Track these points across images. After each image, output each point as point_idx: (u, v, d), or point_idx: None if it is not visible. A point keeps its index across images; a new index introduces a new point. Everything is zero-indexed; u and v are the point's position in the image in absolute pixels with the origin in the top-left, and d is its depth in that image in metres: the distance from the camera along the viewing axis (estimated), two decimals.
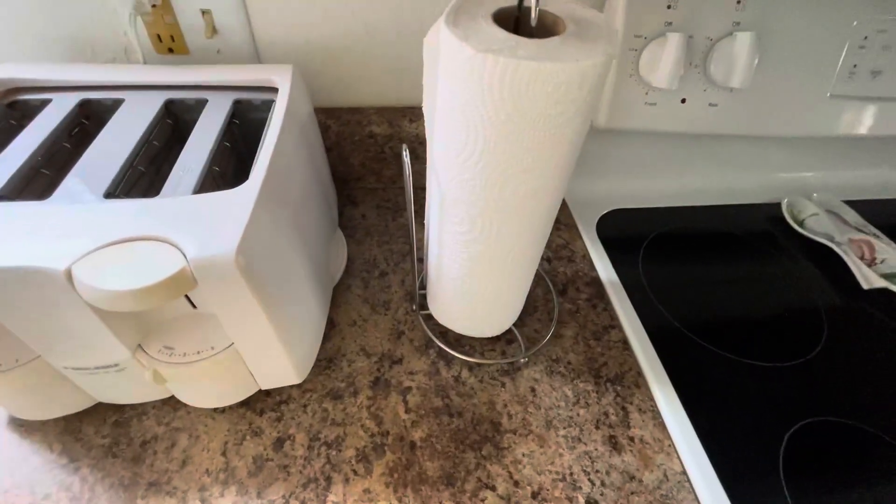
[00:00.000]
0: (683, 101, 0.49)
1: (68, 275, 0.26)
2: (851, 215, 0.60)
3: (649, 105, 0.48)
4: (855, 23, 0.46)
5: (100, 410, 0.38)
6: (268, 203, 0.31)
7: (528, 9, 0.25)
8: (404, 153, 0.31)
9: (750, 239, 0.57)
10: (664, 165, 0.60)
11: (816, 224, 0.59)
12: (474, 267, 0.35)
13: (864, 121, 0.52)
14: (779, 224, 0.59)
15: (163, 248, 0.27)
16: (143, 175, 0.36)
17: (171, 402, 0.38)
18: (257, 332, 0.31)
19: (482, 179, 0.27)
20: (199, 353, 0.32)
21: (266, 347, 0.33)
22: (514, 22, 0.26)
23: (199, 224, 0.28)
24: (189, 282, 0.27)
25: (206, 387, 0.35)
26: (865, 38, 0.46)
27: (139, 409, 0.38)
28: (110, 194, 0.31)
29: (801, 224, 0.59)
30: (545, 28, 0.26)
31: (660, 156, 0.59)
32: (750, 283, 0.52)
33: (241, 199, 0.30)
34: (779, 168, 0.63)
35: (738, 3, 0.44)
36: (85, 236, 0.27)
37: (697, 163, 0.61)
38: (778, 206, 0.61)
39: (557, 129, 0.25)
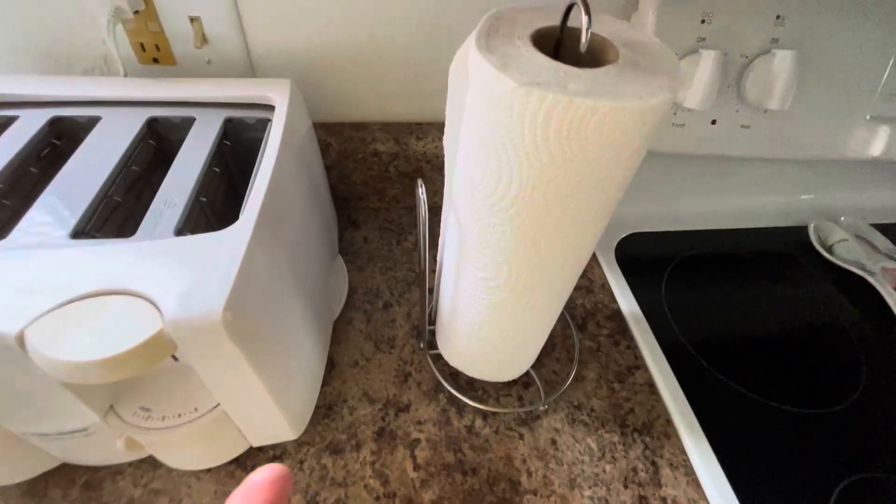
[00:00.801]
0: (714, 122, 0.45)
1: (21, 339, 0.21)
2: (881, 241, 0.57)
3: (677, 126, 0.45)
4: None
5: (67, 470, 0.33)
6: (262, 245, 0.27)
7: (574, 30, 0.21)
8: (419, 189, 0.27)
9: (778, 266, 0.54)
10: (687, 187, 0.56)
11: (846, 251, 0.55)
12: (495, 314, 0.31)
13: None
14: (807, 250, 0.56)
15: (136, 305, 0.23)
16: (120, 206, 0.31)
17: (150, 460, 0.34)
18: (247, 391, 0.27)
19: (514, 226, 0.23)
20: (180, 415, 0.28)
21: (257, 406, 0.29)
22: (555, 44, 0.22)
23: (180, 273, 0.24)
24: (167, 346, 0.22)
25: (189, 451, 0.30)
26: None
27: (113, 468, 0.34)
28: (79, 233, 0.27)
29: (829, 250, 0.56)
30: (592, 54, 0.22)
31: (683, 177, 0.55)
32: (781, 316, 0.49)
33: (231, 242, 0.26)
34: (803, 189, 0.60)
35: (778, 18, 0.40)
36: (44, 289, 0.23)
37: (722, 184, 0.57)
38: (804, 229, 0.58)
39: (608, 176, 0.21)
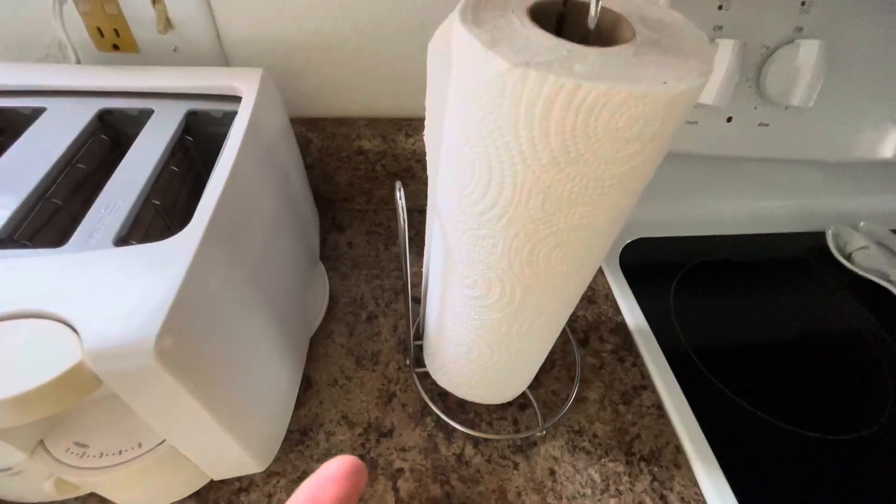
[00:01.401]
0: (729, 119, 0.41)
1: None
2: None
3: (690, 124, 0.41)
4: None
5: None
6: (215, 254, 0.23)
7: (580, 3, 0.17)
8: (398, 192, 0.23)
9: (795, 275, 0.50)
10: (698, 189, 0.53)
11: (866, 259, 0.52)
12: (486, 335, 0.27)
13: None
14: (824, 257, 0.52)
15: (54, 331, 0.19)
16: (60, 210, 0.28)
17: (96, 495, 0.30)
18: (195, 427, 0.24)
19: (506, 239, 0.20)
20: (121, 452, 0.24)
21: (211, 441, 0.25)
22: (558, 21, 0.19)
23: (111, 292, 0.20)
24: (88, 382, 0.19)
25: (137, 489, 0.27)
26: None
27: None
28: (2, 241, 0.23)
29: (848, 257, 0.52)
30: (603, 32, 0.18)
31: (694, 178, 0.51)
32: (798, 329, 0.45)
33: (175, 253, 0.22)
34: (821, 192, 0.56)
35: (803, 4, 0.36)
36: None
37: (734, 186, 0.53)
38: (821, 234, 0.54)
39: (620, 178, 0.17)
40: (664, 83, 0.14)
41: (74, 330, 0.19)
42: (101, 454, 0.24)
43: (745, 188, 0.54)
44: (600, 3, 0.16)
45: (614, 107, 0.14)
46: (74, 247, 0.23)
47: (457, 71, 0.17)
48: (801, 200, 0.56)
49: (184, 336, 0.20)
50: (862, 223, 0.55)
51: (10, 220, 0.24)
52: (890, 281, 0.49)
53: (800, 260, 0.52)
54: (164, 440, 0.25)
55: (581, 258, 0.21)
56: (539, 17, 0.18)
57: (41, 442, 0.24)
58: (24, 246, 0.24)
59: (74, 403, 0.19)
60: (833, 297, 0.48)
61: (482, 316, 0.25)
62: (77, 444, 0.24)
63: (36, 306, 0.19)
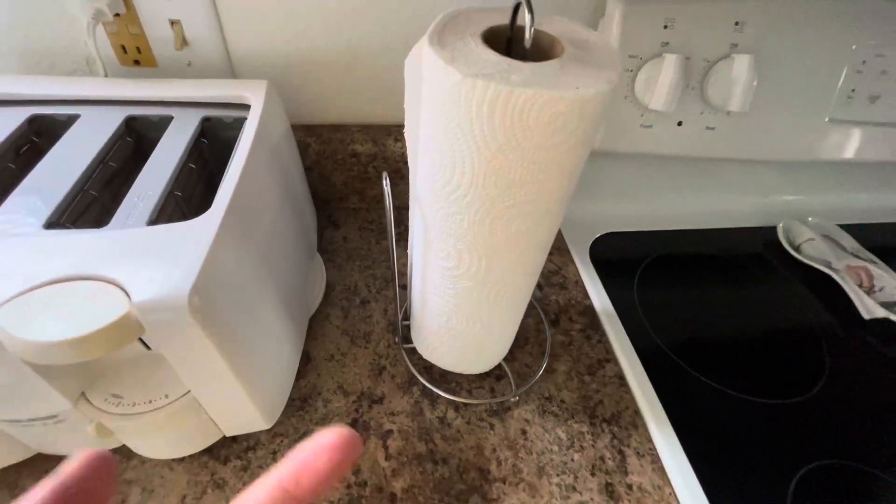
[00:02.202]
0: (680, 123, 0.47)
1: None
2: (847, 240, 0.59)
3: (645, 127, 0.46)
4: (854, 46, 0.45)
5: (39, 460, 0.34)
6: (232, 234, 0.28)
7: (522, 28, 0.22)
8: (385, 181, 0.28)
9: (748, 265, 0.55)
10: (659, 188, 0.58)
11: (813, 249, 0.57)
12: (461, 304, 0.32)
13: (862, 145, 0.51)
14: (775, 249, 0.58)
15: (104, 290, 0.23)
16: (96, 201, 0.32)
17: (123, 450, 0.34)
18: (217, 379, 0.28)
19: (470, 214, 0.25)
20: (150, 402, 0.29)
21: (228, 395, 0.30)
22: (507, 43, 0.24)
23: (149, 260, 0.25)
24: (134, 328, 0.23)
25: (161, 439, 0.31)
26: (864, 62, 0.45)
27: None
28: (53, 224, 0.28)
29: (797, 249, 0.58)
30: (541, 50, 0.23)
31: (655, 178, 0.57)
32: (749, 312, 0.50)
33: (200, 231, 0.26)
34: (774, 191, 0.62)
35: (737, 24, 0.42)
36: (15, 275, 0.24)
37: (693, 185, 0.59)
38: (774, 229, 0.60)
39: (554, 162, 0.22)
40: (577, 88, 0.19)
41: (122, 289, 0.23)
42: (134, 403, 0.28)
43: (704, 187, 0.59)
44: (533, 29, 0.21)
45: (540, 106, 0.19)
46: (115, 227, 0.27)
47: (426, 81, 0.22)
48: (756, 198, 0.62)
49: (209, 296, 0.25)
50: (810, 218, 0.61)
51: (58, 207, 0.29)
52: (832, 268, 0.54)
53: (753, 252, 0.57)
54: (187, 392, 0.29)
55: (532, 230, 0.26)
56: (492, 39, 0.23)
57: (83, 394, 0.28)
58: (68, 228, 0.29)
59: (122, 346, 0.23)
60: (781, 283, 0.54)
61: (456, 285, 0.30)
62: (113, 395, 0.29)
63: (91, 271, 0.24)
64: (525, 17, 0.21)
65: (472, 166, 0.22)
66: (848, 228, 0.59)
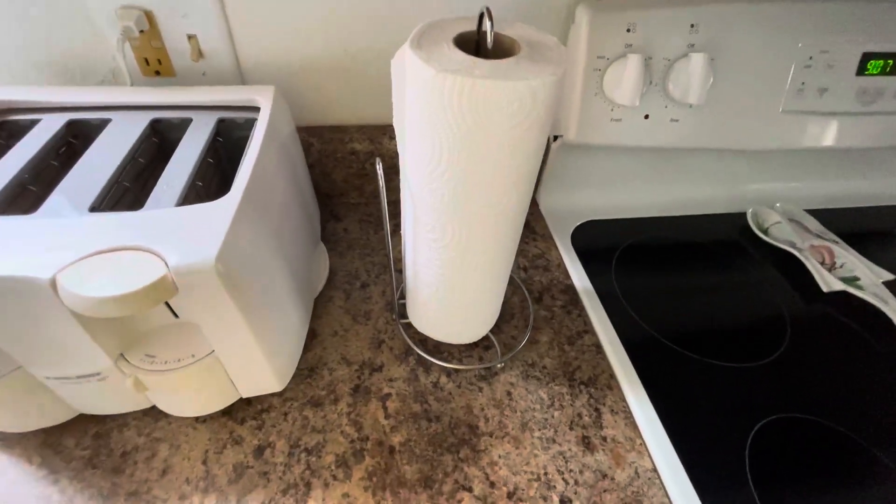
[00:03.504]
0: (647, 116, 0.51)
1: (53, 284, 0.27)
2: (812, 223, 0.63)
3: (615, 121, 0.51)
4: (800, 44, 0.49)
5: (80, 422, 0.38)
6: (249, 214, 0.33)
7: (486, 32, 0.27)
8: (378, 165, 0.33)
9: (718, 247, 0.60)
10: (635, 178, 0.63)
11: (779, 232, 0.62)
12: (447, 273, 0.36)
13: (816, 134, 0.55)
14: (745, 233, 0.62)
15: (145, 258, 0.28)
16: (128, 190, 0.37)
17: (153, 413, 0.39)
18: (238, 339, 0.33)
19: (449, 189, 0.29)
20: (179, 360, 0.33)
21: (247, 355, 0.34)
22: (476, 45, 0.29)
23: (180, 234, 0.30)
24: (170, 289, 0.28)
25: (187, 395, 0.35)
26: (810, 58, 0.50)
27: (120, 421, 0.38)
28: (95, 208, 0.33)
29: (765, 232, 0.62)
30: (503, 50, 0.28)
31: (630, 169, 0.62)
32: (718, 289, 0.55)
33: (222, 210, 0.31)
34: (744, 180, 0.67)
35: (692, 26, 0.47)
36: (69, 248, 0.28)
37: (666, 175, 0.64)
38: (744, 215, 0.64)
39: (515, 142, 0.27)
40: (526, 79, 0.24)
41: (160, 256, 0.28)
42: (165, 361, 0.33)
43: (676, 176, 0.64)
44: (493, 33, 0.26)
45: (498, 94, 0.24)
46: (149, 208, 0.32)
47: (409, 78, 0.27)
48: (726, 186, 0.66)
49: (231, 263, 0.29)
50: (778, 204, 0.65)
51: (99, 195, 0.34)
52: (797, 248, 0.59)
53: (724, 236, 0.62)
54: (211, 352, 0.34)
55: (503, 202, 0.31)
56: (462, 43, 0.28)
57: (121, 354, 0.33)
58: (107, 211, 0.34)
59: (159, 302, 0.28)
60: (749, 263, 0.58)
61: (441, 255, 0.35)
62: (147, 355, 0.33)
63: (133, 242, 0.29)
64: (486, 24, 0.25)
65: (448, 147, 0.27)
66: (813, 213, 0.64)
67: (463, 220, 0.31)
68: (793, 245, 0.60)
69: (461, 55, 0.25)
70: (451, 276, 0.36)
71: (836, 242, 0.60)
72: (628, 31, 0.47)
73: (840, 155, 0.67)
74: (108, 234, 0.29)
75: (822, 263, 0.57)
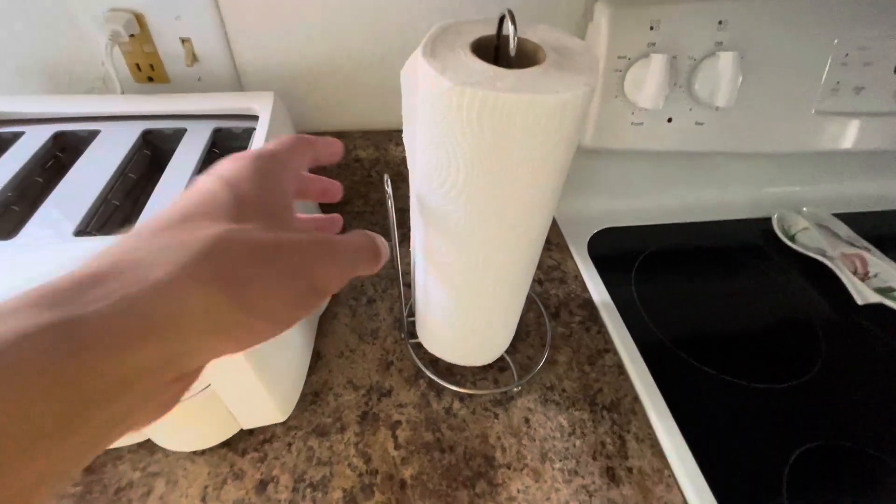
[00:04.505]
0: (670, 120, 0.48)
1: None
2: (842, 229, 0.60)
3: (636, 125, 0.48)
4: (836, 41, 0.46)
5: None
6: None
7: (508, 38, 0.24)
8: (386, 183, 0.30)
9: (742, 255, 0.57)
10: (653, 183, 0.60)
11: (808, 238, 0.58)
12: (462, 297, 0.34)
13: (850, 135, 0.52)
14: (770, 239, 0.59)
15: None
16: (118, 209, 0.35)
17: (148, 445, 0.36)
18: (236, 372, 0.30)
19: (465, 211, 0.26)
20: None
21: (246, 388, 0.32)
22: (494, 51, 0.26)
23: None
24: None
25: (183, 430, 0.33)
26: (847, 55, 0.47)
27: (113, 454, 0.36)
28: (81, 231, 0.30)
29: (792, 239, 0.59)
30: (526, 57, 0.25)
31: (649, 174, 0.59)
32: (745, 300, 0.52)
33: None
34: (768, 183, 0.63)
35: (720, 23, 0.44)
36: (50, 277, 0.26)
37: (686, 180, 0.60)
38: (768, 220, 0.61)
39: (540, 161, 0.24)
40: (556, 92, 0.21)
41: None
42: None
43: (699, 181, 0.61)
44: (517, 39, 0.23)
45: (524, 110, 0.21)
46: None
47: (421, 90, 0.24)
48: (750, 190, 0.63)
49: None
50: (805, 208, 0.62)
51: (85, 217, 0.31)
52: (827, 257, 0.56)
53: (749, 243, 0.59)
54: (208, 386, 0.31)
55: (524, 224, 0.28)
56: (480, 49, 0.25)
57: None
58: (97, 235, 0.31)
59: None
60: (777, 273, 0.55)
61: (455, 279, 0.32)
62: None
63: None
64: (509, 28, 0.22)
65: (465, 167, 0.24)
66: (843, 217, 0.60)
67: (479, 245, 0.28)
68: (822, 253, 0.56)
69: (480, 64, 0.23)
70: (465, 300, 0.34)
71: (869, 250, 0.56)
72: (651, 28, 0.44)
73: (869, 156, 0.63)
74: None
75: (855, 273, 0.54)
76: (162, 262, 0.14)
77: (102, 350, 0.12)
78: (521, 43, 0.25)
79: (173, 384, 0.15)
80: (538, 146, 0.23)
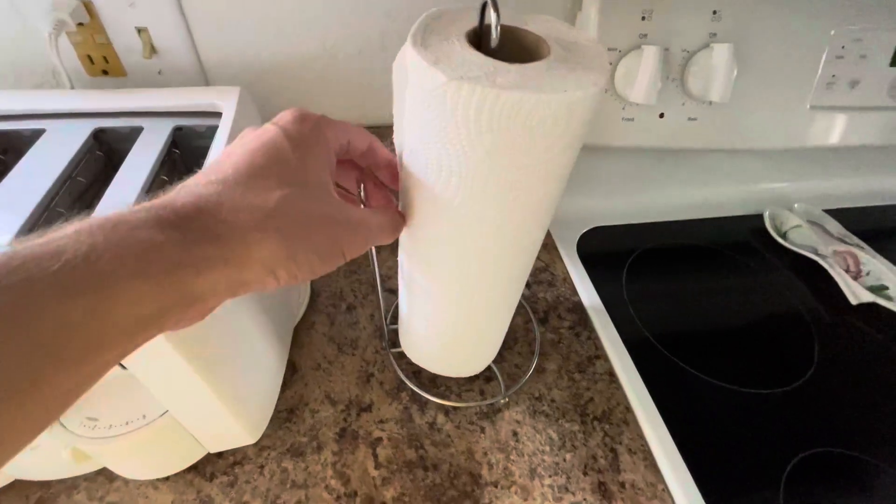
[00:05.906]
0: (662, 115, 0.46)
1: None
2: (834, 226, 0.59)
3: (627, 120, 0.46)
4: (832, 32, 0.44)
5: (19, 486, 0.33)
6: None
7: (507, 28, 0.22)
8: (360, 187, 0.27)
9: (735, 254, 0.55)
10: (644, 180, 0.58)
11: (799, 236, 0.57)
12: (450, 308, 0.31)
13: (845, 130, 0.51)
14: (762, 237, 0.58)
15: None
16: (64, 217, 0.31)
17: (106, 472, 0.33)
18: (196, 398, 0.27)
19: (458, 220, 0.24)
20: (127, 423, 0.28)
21: (209, 413, 0.29)
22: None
23: None
24: None
25: (141, 459, 0.30)
26: (843, 47, 0.45)
27: (68, 483, 0.33)
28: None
29: (783, 236, 0.58)
30: (527, 51, 0.23)
31: (639, 171, 0.57)
32: (738, 302, 0.50)
33: None
34: (758, 179, 0.62)
35: (714, 13, 0.42)
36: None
37: (677, 177, 0.59)
38: (760, 217, 0.60)
39: (542, 166, 0.21)
40: (564, 91, 0.19)
41: None
42: (110, 426, 0.28)
43: (689, 178, 0.59)
44: (499, 29, 0.20)
45: (527, 110, 0.19)
46: None
47: (411, 84, 0.21)
48: (741, 187, 0.61)
49: None
50: (796, 205, 0.61)
51: (22, 228, 0.28)
52: (819, 254, 0.54)
53: (740, 240, 0.57)
54: (166, 412, 0.28)
55: (520, 233, 0.25)
56: (477, 40, 0.22)
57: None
58: None
59: None
60: (769, 271, 0.54)
61: (444, 289, 0.29)
62: (88, 418, 0.28)
63: None
64: (491, 16, 0.20)
65: (458, 171, 0.22)
66: (834, 213, 0.59)
67: (472, 254, 0.26)
68: (815, 251, 0.55)
69: (478, 57, 0.20)
70: (453, 311, 0.31)
71: (861, 247, 0.55)
72: (643, 18, 0.42)
73: (862, 151, 0.62)
74: None
75: (847, 271, 0.53)
76: (243, 212, 0.18)
77: (202, 268, 0.17)
78: (521, 35, 0.22)
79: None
80: (541, 151, 0.20)
